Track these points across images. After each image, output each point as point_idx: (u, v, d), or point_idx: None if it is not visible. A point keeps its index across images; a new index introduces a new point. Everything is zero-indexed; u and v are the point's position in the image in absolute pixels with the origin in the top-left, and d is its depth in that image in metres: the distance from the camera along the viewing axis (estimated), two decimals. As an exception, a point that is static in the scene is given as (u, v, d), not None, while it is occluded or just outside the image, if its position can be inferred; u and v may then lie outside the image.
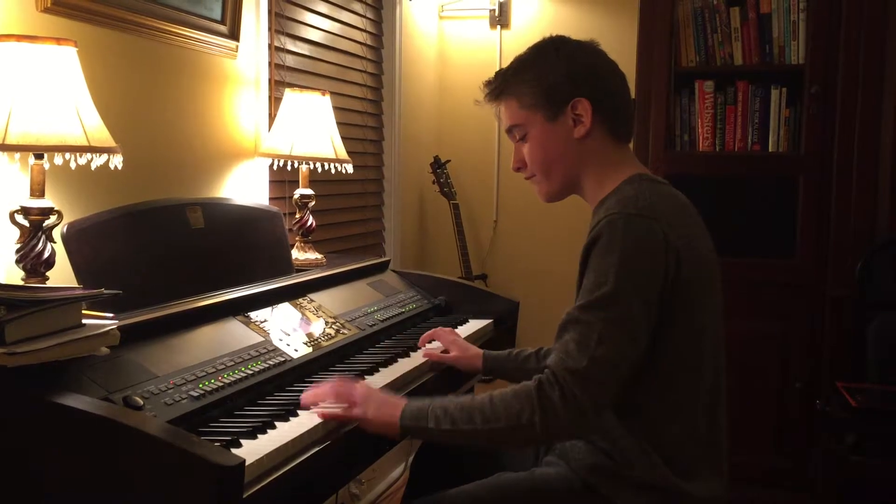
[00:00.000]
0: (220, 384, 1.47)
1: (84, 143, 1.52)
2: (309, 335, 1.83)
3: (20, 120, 1.46)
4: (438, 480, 1.67)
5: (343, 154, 2.44)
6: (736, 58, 3.11)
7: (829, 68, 2.97)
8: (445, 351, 1.96)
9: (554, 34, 1.65)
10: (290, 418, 1.44)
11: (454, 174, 3.83)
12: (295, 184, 2.49)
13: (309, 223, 2.43)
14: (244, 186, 2.46)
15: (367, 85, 3.36)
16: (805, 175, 3.04)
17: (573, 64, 1.57)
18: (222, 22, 2.30)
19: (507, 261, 4.04)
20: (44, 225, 1.55)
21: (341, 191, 3.12)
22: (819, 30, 2.99)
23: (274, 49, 2.61)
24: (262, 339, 1.71)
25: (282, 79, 2.66)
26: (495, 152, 4.02)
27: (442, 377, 1.92)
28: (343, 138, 2.49)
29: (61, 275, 1.62)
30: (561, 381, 1.36)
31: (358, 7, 3.27)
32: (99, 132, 1.57)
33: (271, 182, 2.60)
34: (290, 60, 2.73)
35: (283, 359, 1.67)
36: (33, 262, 1.53)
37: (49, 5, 1.72)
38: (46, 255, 1.55)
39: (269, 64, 2.57)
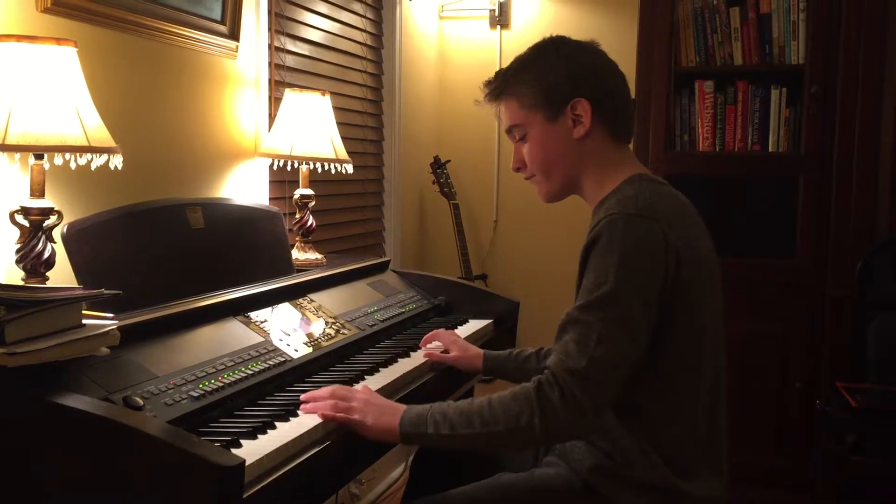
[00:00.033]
0: (220, 384, 1.47)
1: (84, 143, 1.52)
2: (309, 335, 1.83)
3: (20, 120, 1.46)
4: (438, 481, 1.67)
5: (343, 154, 2.44)
6: (736, 58, 3.11)
7: (829, 68, 2.97)
8: (446, 351, 1.96)
9: (554, 34, 1.65)
10: (290, 418, 1.44)
11: (454, 174, 3.83)
12: (295, 184, 2.49)
13: (309, 223, 2.43)
14: (244, 186, 2.46)
15: (367, 85, 3.36)
16: (805, 175, 3.04)
17: (573, 64, 1.57)
18: (222, 22, 2.30)
19: (507, 261, 4.04)
20: (44, 225, 1.55)
21: (341, 191, 3.12)
22: (819, 30, 2.99)
23: (274, 49, 2.61)
24: (263, 339, 1.71)
25: (282, 79, 2.66)
26: (495, 152, 4.02)
27: (442, 377, 1.92)
28: (343, 138, 2.49)
29: (61, 275, 1.62)
30: (560, 381, 1.36)
31: (358, 7, 3.27)
32: (99, 132, 1.57)
33: (271, 182, 2.60)
34: (290, 60, 2.73)
35: (283, 359, 1.67)
36: (33, 262, 1.53)
37: (49, 5, 1.72)
38: (46, 255, 1.55)
39: (269, 64, 2.57)
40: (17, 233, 1.56)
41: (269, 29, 2.57)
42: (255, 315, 1.78)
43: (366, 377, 1.74)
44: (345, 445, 1.46)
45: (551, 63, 1.58)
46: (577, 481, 1.53)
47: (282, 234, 2.17)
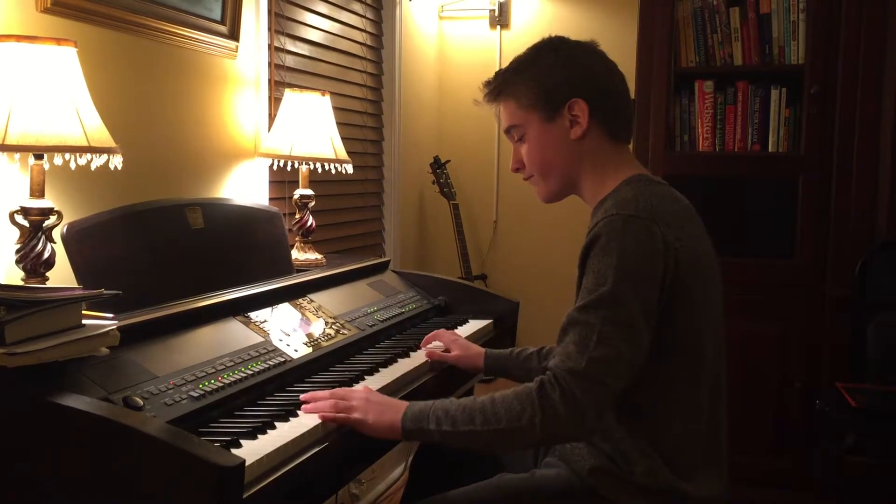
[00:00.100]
0: (220, 384, 1.47)
1: (84, 143, 1.52)
2: (309, 335, 1.83)
3: (20, 120, 1.46)
4: (438, 481, 1.67)
5: (343, 154, 2.44)
6: (736, 58, 3.11)
7: (829, 68, 2.97)
8: (447, 350, 1.96)
9: (554, 34, 1.65)
10: (290, 419, 1.44)
11: (454, 174, 3.83)
12: (295, 184, 2.49)
13: (309, 223, 2.43)
14: (244, 187, 2.46)
15: (367, 85, 3.36)
16: (805, 175, 3.04)
17: (571, 65, 1.57)
18: (222, 22, 2.30)
19: (507, 261, 4.04)
20: (44, 225, 1.55)
21: (341, 191, 3.12)
22: (819, 30, 2.99)
23: (274, 49, 2.61)
24: (262, 339, 1.71)
25: (282, 79, 2.66)
26: (495, 152, 4.02)
27: (442, 377, 1.92)
28: (343, 138, 2.49)
29: (61, 275, 1.62)
30: (562, 381, 1.36)
31: (358, 7, 3.27)
32: (99, 132, 1.57)
33: (271, 182, 2.60)
34: (289, 60, 2.73)
35: (283, 359, 1.67)
36: (33, 262, 1.53)
37: (49, 5, 1.72)
38: (46, 255, 1.55)
39: (269, 64, 2.57)
40: (16, 233, 1.56)
41: (269, 29, 2.57)
42: (255, 315, 1.78)
43: (366, 377, 1.74)
44: (345, 445, 1.46)
45: (549, 63, 1.58)
46: (578, 482, 1.53)
47: (282, 235, 2.17)
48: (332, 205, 3.02)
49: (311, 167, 2.43)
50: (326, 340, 1.86)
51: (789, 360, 3.06)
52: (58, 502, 1.20)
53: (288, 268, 2.17)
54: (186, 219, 1.88)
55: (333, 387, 1.59)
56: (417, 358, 1.92)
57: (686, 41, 3.15)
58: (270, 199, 2.59)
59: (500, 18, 3.96)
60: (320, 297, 2.04)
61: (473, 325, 2.29)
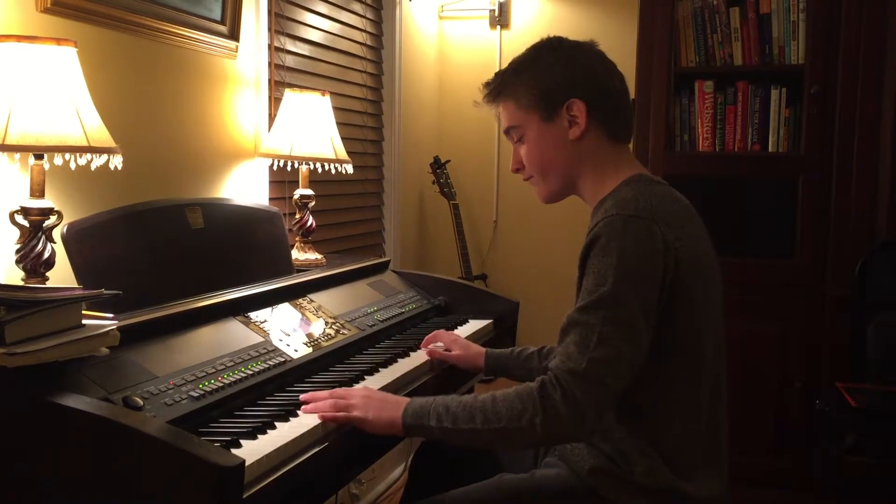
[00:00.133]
0: (220, 384, 1.47)
1: (84, 143, 1.52)
2: (309, 335, 1.83)
3: (20, 120, 1.46)
4: (438, 481, 1.67)
5: (343, 154, 2.44)
6: (736, 58, 3.11)
7: (829, 68, 2.97)
8: (448, 350, 1.96)
9: (553, 35, 1.65)
10: (290, 419, 1.44)
11: (454, 174, 3.83)
12: (295, 184, 2.49)
13: (309, 223, 2.43)
14: (244, 187, 2.46)
15: (367, 85, 3.36)
16: (805, 175, 3.04)
17: (570, 65, 1.57)
18: (222, 22, 2.30)
19: (507, 261, 4.04)
20: (44, 225, 1.55)
21: (341, 191, 3.12)
22: (819, 30, 2.99)
23: (274, 49, 2.61)
24: (262, 339, 1.71)
25: (282, 79, 2.66)
26: (495, 152, 4.02)
27: (442, 377, 1.92)
28: (343, 138, 2.49)
29: (61, 275, 1.62)
30: (562, 382, 1.36)
31: (358, 7, 3.27)
32: (99, 132, 1.57)
33: (271, 182, 2.60)
34: (289, 61, 2.73)
35: (283, 359, 1.67)
36: (33, 262, 1.53)
37: (49, 5, 1.72)
38: (46, 255, 1.55)
39: (269, 64, 2.57)
40: (17, 233, 1.56)
41: (269, 29, 2.57)
42: (255, 315, 1.78)
43: (366, 377, 1.74)
44: (345, 446, 1.46)
45: (548, 64, 1.58)
46: (578, 482, 1.53)
47: (282, 235, 2.17)
48: (332, 205, 3.02)
49: (311, 167, 2.43)
50: (326, 340, 1.86)
51: (789, 360, 3.06)
52: (58, 502, 1.20)
53: (288, 268, 2.17)
54: (186, 219, 1.88)
55: (333, 387, 1.59)
56: (417, 358, 1.92)
57: (686, 41, 3.15)
58: (270, 199, 2.59)
59: (500, 18, 3.96)
60: (320, 297, 2.05)
61: (473, 325, 2.29)
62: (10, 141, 1.45)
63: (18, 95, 1.47)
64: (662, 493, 1.45)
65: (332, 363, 1.82)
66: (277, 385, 1.62)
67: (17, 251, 1.54)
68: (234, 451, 1.26)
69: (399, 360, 1.90)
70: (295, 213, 2.46)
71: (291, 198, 2.48)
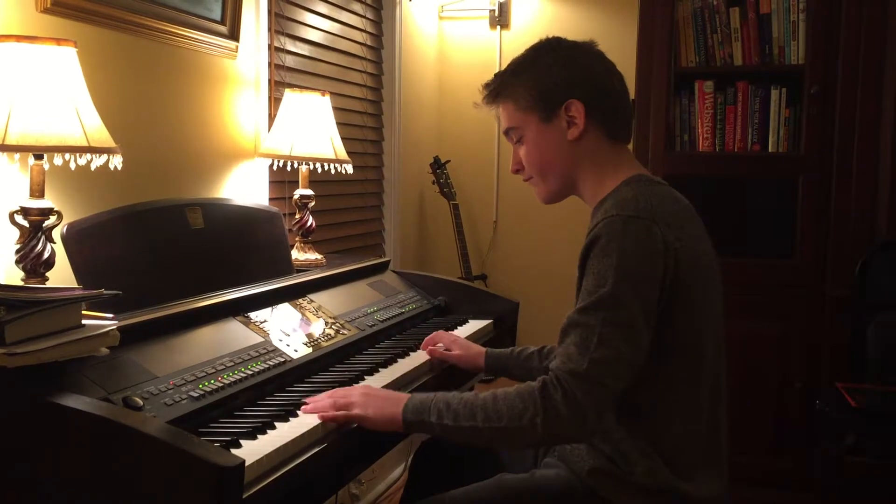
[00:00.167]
0: (220, 384, 1.47)
1: (84, 143, 1.52)
2: (309, 335, 1.83)
3: (20, 120, 1.46)
4: (438, 481, 1.67)
5: (343, 154, 2.44)
6: (736, 58, 3.11)
7: (829, 68, 2.97)
8: (448, 349, 1.96)
9: (554, 35, 1.65)
10: (290, 419, 1.44)
11: (454, 174, 3.83)
12: (295, 184, 2.49)
13: (309, 223, 2.43)
14: (244, 187, 2.46)
15: (367, 85, 3.36)
16: (805, 175, 3.04)
17: (568, 65, 1.57)
18: (222, 22, 2.30)
19: (507, 261, 4.04)
20: (43, 225, 1.55)
21: (341, 191, 3.12)
22: (819, 30, 2.99)
23: (274, 49, 2.61)
24: (262, 339, 1.71)
25: (281, 79, 2.66)
26: (495, 152, 4.02)
27: (442, 377, 1.92)
28: (343, 138, 2.49)
29: (61, 275, 1.62)
30: (563, 383, 1.36)
31: (358, 7, 3.27)
32: (98, 132, 1.57)
33: (271, 182, 2.60)
34: (289, 61, 2.73)
35: (282, 359, 1.67)
36: (33, 262, 1.53)
37: (49, 5, 1.72)
38: (46, 255, 1.55)
39: (269, 64, 2.57)
40: (16, 233, 1.56)
41: (269, 29, 2.57)
42: (255, 315, 1.78)
43: (365, 377, 1.74)
44: (345, 445, 1.46)
45: (547, 65, 1.58)
46: (577, 483, 1.52)
47: (281, 235, 2.17)
48: (332, 205, 3.02)
49: (311, 167, 2.43)
50: (326, 340, 1.86)
51: (789, 360, 3.06)
52: (58, 502, 1.20)
53: (288, 268, 2.17)
54: (186, 219, 1.88)
55: (333, 387, 1.59)
56: (417, 358, 1.92)
57: (686, 41, 3.15)
58: (270, 199, 2.59)
59: (500, 18, 3.96)
60: (320, 298, 2.05)
61: (473, 326, 2.29)
62: (10, 141, 1.45)
63: (18, 95, 1.47)
64: (662, 494, 1.45)
65: (332, 363, 1.82)
66: (277, 385, 1.62)
67: (17, 251, 1.54)
68: (233, 451, 1.26)
69: (399, 360, 1.90)
70: (295, 213, 2.46)
71: (291, 198, 2.48)
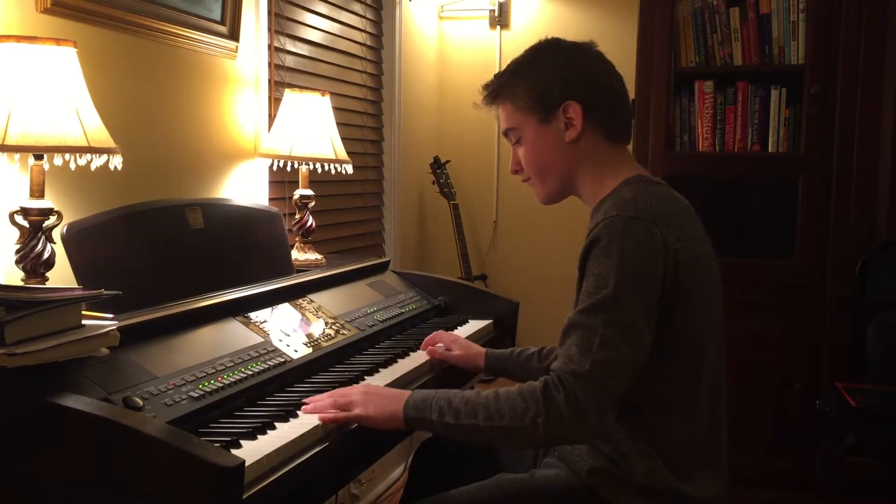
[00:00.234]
0: (220, 385, 1.47)
1: (84, 143, 1.52)
2: (309, 336, 1.83)
3: (20, 120, 1.46)
4: (438, 481, 1.67)
5: (343, 154, 2.44)
6: (736, 58, 3.11)
7: (828, 68, 2.97)
8: (448, 350, 1.96)
9: (553, 35, 1.65)
10: (290, 419, 1.44)
11: (454, 174, 3.83)
12: (295, 184, 2.49)
13: (309, 224, 2.43)
14: (244, 187, 2.46)
15: (367, 85, 3.36)
16: (805, 175, 3.04)
17: (567, 66, 1.57)
18: (222, 22, 2.30)
19: (507, 261, 4.04)
20: (43, 225, 1.55)
21: (341, 191, 3.12)
22: (819, 30, 2.99)
23: (273, 49, 2.61)
24: (262, 339, 1.71)
25: (281, 79, 2.66)
26: (495, 153, 4.02)
27: (442, 377, 1.92)
28: (343, 138, 2.49)
29: (61, 275, 1.62)
30: (565, 384, 1.36)
31: (358, 7, 3.27)
32: (98, 133, 1.57)
33: (271, 182, 2.60)
34: (289, 61, 2.73)
35: (282, 359, 1.67)
36: (33, 262, 1.53)
37: (49, 6, 1.72)
38: (46, 255, 1.55)
39: (269, 64, 2.57)
40: (16, 233, 1.56)
41: (269, 29, 2.57)
42: (255, 315, 1.78)
43: (365, 377, 1.74)
44: (345, 445, 1.46)
45: (545, 66, 1.58)
46: (577, 483, 1.52)
47: (281, 235, 2.17)
48: (332, 205, 3.02)
49: (311, 167, 2.43)
50: (326, 341, 1.86)
51: (789, 360, 3.06)
52: (58, 502, 1.20)
53: (288, 268, 2.17)
54: (186, 219, 1.88)
55: (334, 387, 1.59)
56: (417, 358, 1.92)
57: (686, 41, 3.15)
58: (270, 199, 2.59)
59: (500, 19, 3.96)
60: (320, 298, 2.05)
61: (473, 326, 2.29)
62: (10, 141, 1.45)
63: (18, 96, 1.47)
64: (662, 494, 1.45)
65: (332, 363, 1.82)
66: (277, 385, 1.62)
67: (17, 251, 1.54)
68: (233, 451, 1.26)
69: (399, 360, 1.90)
70: (295, 214, 2.46)
71: (291, 198, 2.48)
